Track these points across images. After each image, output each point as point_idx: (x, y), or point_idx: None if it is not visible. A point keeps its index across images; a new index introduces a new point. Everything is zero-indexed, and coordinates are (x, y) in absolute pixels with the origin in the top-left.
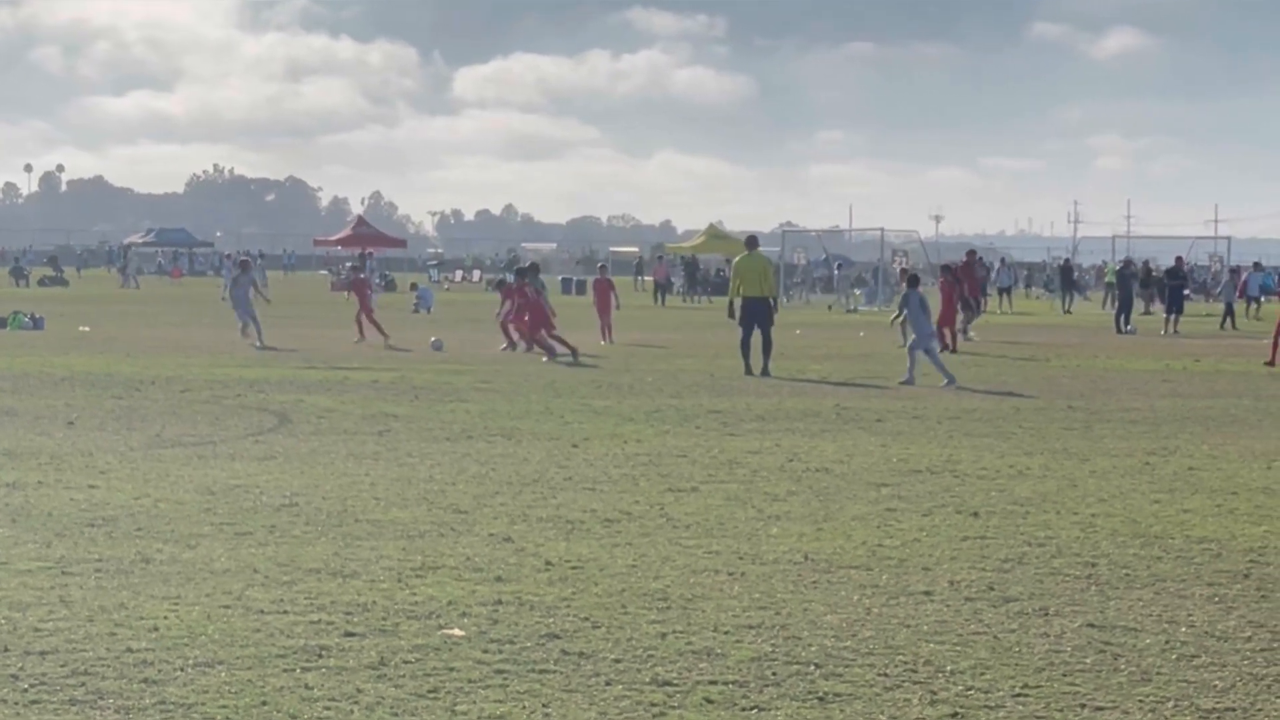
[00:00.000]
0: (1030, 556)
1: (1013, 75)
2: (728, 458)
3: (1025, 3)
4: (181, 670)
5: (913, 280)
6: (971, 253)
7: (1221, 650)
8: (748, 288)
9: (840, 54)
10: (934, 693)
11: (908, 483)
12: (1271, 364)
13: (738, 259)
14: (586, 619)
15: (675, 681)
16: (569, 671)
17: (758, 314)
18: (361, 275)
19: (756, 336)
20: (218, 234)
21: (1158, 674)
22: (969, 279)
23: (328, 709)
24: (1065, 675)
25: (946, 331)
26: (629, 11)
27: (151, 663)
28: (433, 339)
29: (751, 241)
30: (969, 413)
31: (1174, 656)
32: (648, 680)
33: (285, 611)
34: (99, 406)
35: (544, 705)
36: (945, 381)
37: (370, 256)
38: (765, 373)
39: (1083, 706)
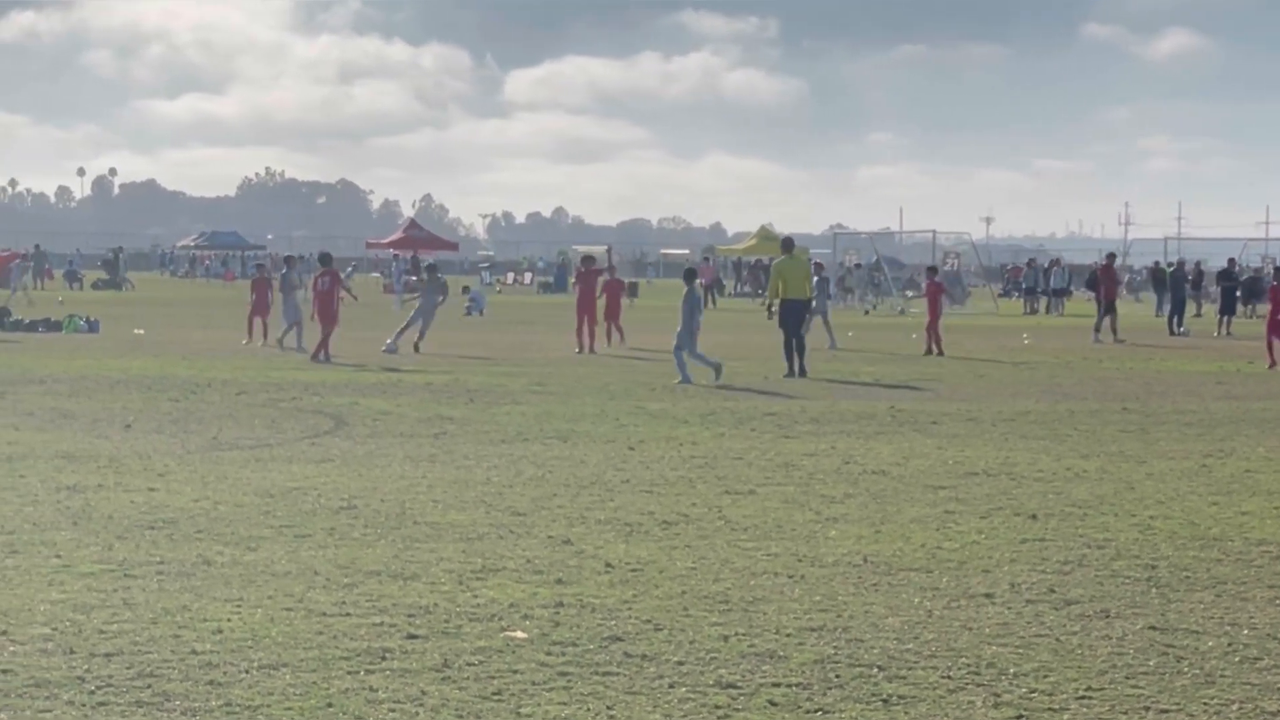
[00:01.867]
0: (1090, 559)
1: (1063, 76)
2: (784, 460)
3: (1077, 4)
4: (246, 672)
5: (689, 275)
6: (1111, 256)
7: None
8: (792, 290)
9: (891, 56)
10: (997, 695)
11: (965, 485)
12: (1275, 366)
13: (779, 261)
14: (648, 621)
15: (739, 684)
16: (632, 674)
17: (801, 314)
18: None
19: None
20: (269, 237)
21: (1221, 676)
22: (1108, 281)
23: (392, 711)
24: (1128, 678)
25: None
26: (680, 14)
27: (216, 665)
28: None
29: (788, 243)
30: (1024, 415)
31: (1237, 659)
32: (711, 683)
33: (347, 614)
34: (156, 409)
35: (608, 707)
36: (679, 380)
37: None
38: (803, 372)
39: (1146, 709)
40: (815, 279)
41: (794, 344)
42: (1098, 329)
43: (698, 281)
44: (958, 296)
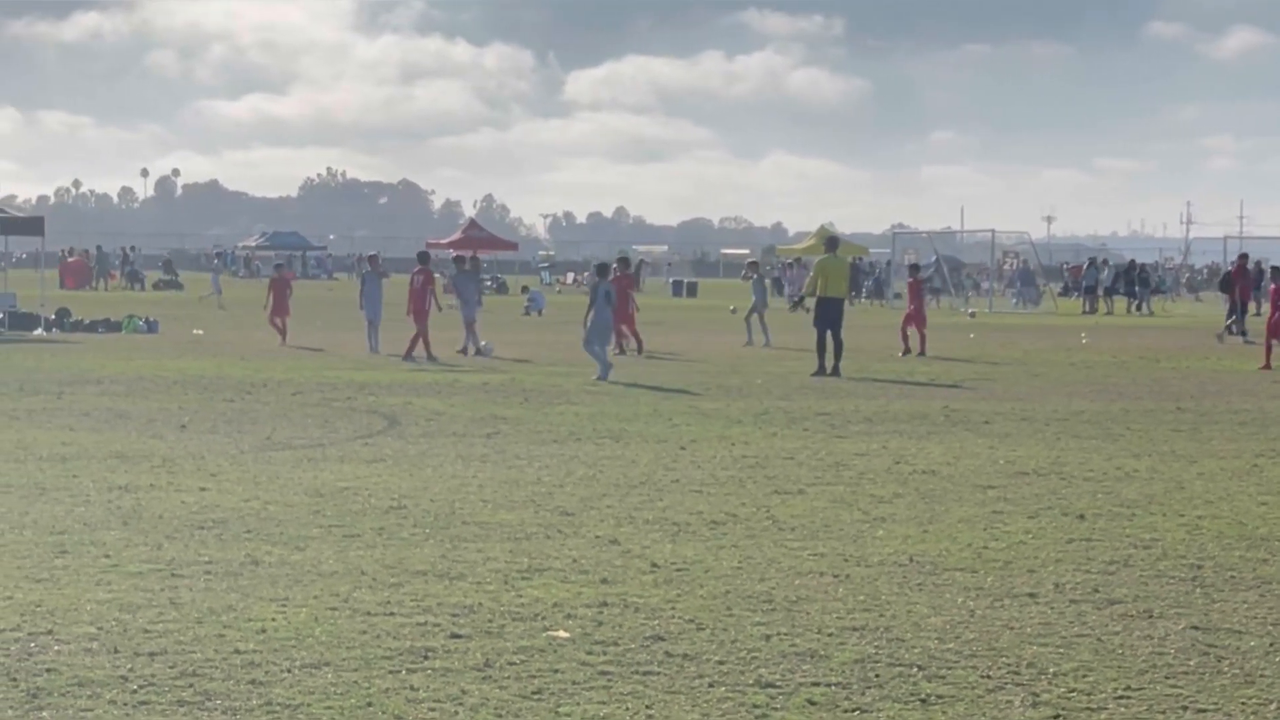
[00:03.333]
0: (1136, 559)
1: (1128, 75)
2: (834, 460)
3: (1143, 2)
4: (288, 672)
5: (601, 270)
6: (1243, 256)
7: None
8: (831, 288)
9: (955, 55)
10: (1036, 695)
11: (1014, 485)
12: (1268, 368)
13: (822, 259)
14: (691, 621)
15: (778, 683)
16: (672, 673)
17: (836, 314)
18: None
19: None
20: (330, 237)
21: (1261, 676)
22: (1241, 281)
23: (432, 710)
24: (1168, 678)
25: (912, 332)
26: (743, 13)
27: (259, 664)
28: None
29: (833, 242)
30: (1077, 415)
31: (1278, 659)
32: (751, 682)
33: (392, 614)
34: (211, 409)
35: (646, 707)
36: (596, 374)
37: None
38: (836, 372)
39: (1185, 709)
40: (754, 278)
41: (828, 343)
42: (1231, 329)
43: (610, 278)
44: (1030, 296)
